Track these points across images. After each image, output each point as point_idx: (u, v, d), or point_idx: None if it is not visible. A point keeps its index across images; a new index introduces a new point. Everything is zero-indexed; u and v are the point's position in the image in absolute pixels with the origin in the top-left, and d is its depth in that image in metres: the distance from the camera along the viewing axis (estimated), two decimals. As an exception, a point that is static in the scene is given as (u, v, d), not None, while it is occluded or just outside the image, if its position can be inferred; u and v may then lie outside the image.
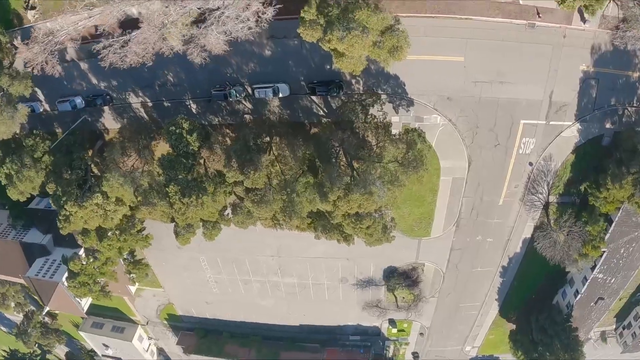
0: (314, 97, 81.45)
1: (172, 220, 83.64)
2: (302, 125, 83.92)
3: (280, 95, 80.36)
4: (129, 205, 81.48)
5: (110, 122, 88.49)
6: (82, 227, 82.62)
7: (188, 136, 73.40)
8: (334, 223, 76.95)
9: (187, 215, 77.23)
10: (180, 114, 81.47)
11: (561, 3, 68.98)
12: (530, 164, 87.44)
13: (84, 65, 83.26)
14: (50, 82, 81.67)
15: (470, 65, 78.27)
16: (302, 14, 64.59)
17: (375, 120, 71.90)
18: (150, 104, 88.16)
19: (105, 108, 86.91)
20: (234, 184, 74.78)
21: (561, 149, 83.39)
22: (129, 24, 71.72)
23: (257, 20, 65.21)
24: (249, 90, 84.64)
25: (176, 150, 74.49)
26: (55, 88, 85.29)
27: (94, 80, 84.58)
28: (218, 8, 64.05)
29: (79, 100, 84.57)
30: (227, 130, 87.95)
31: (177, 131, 73.54)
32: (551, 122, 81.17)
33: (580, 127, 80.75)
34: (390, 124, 74.40)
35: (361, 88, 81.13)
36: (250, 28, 65.81)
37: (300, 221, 79.93)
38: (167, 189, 74.11)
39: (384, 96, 77.84)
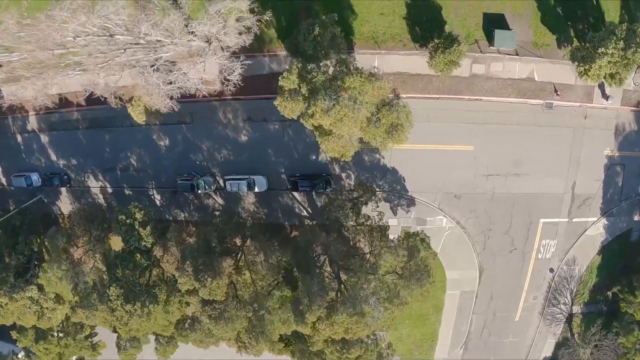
0: (296, 194, 68.39)
1: (115, 330, 65.05)
2: (281, 227, 69.28)
3: (257, 189, 66.85)
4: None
5: (66, 205, 76.30)
6: (14, 322, 69.06)
7: (141, 229, 60.75)
8: (314, 350, 57.91)
9: (131, 325, 58.71)
10: (142, 204, 68.55)
11: (584, 74, 55.78)
12: (551, 270, 72.63)
13: (44, 138, 73.87)
14: (8, 152, 73.82)
15: (481, 155, 66.19)
16: (280, 82, 49.83)
17: (369, 222, 58.70)
18: (110, 190, 75.01)
19: (63, 189, 75.59)
20: (188, 292, 56.49)
21: (586, 249, 70.49)
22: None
23: (222, 83, 51.57)
24: (221, 182, 69.32)
25: (127, 245, 61.95)
26: (13, 160, 75.66)
27: (53, 157, 74.45)
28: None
29: (35, 178, 73.66)
30: (193, 228, 70.55)
31: (128, 221, 60.71)
32: (574, 219, 68.55)
33: (606, 222, 68.70)
34: (388, 227, 62.19)
35: (352, 183, 67.32)
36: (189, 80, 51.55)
37: (269, 345, 60.81)
38: (108, 290, 59.72)
39: (379, 193, 65.04)
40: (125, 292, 60.34)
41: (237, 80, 54.62)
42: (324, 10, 59.53)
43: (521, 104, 64.78)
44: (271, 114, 64.44)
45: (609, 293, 74.98)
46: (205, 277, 53.92)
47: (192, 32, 52.69)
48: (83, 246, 66.27)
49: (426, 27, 63.44)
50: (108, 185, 75.57)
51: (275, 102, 51.12)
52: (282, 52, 64.61)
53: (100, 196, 76.21)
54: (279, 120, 65.86)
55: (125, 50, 49.17)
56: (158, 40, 49.05)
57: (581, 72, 56.78)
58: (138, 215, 62.05)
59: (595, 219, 69.41)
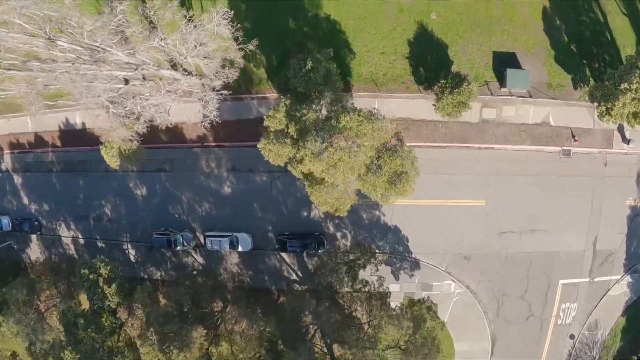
0: (284, 255, 59.54)
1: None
2: (267, 291, 60.11)
3: (240, 248, 58.43)
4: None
5: (36, 254, 69.13)
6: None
7: (105, 286, 53.71)
8: None
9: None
10: (116, 258, 62.44)
11: (605, 114, 48.70)
12: (572, 337, 63.36)
13: (17, 179, 68.28)
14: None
15: (494, 210, 57.95)
16: (265, 121, 41.84)
17: (368, 288, 50.80)
18: (82, 241, 67.33)
19: (33, 236, 68.70)
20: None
21: (609, 311, 61.48)
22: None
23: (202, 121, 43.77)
24: (201, 238, 60.50)
25: (91, 303, 55.18)
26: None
27: (25, 200, 68.36)
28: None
29: (5, 221, 67.48)
30: (169, 289, 61.33)
31: (92, 277, 53.74)
32: (596, 279, 60.14)
33: (630, 279, 60.29)
34: (389, 294, 53.98)
35: (348, 244, 58.67)
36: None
37: None
38: (62, 354, 53.30)
39: (379, 255, 56.98)
40: (85, 357, 52.05)
41: (214, 117, 46.44)
42: (319, 48, 52.37)
43: (537, 152, 57.18)
44: (258, 164, 56.87)
45: (635, 358, 65.07)
46: (172, 348, 44.13)
47: (173, 65, 45.35)
48: (46, 300, 60.99)
49: (431, 67, 56.21)
50: (80, 236, 67.56)
51: (259, 145, 42.99)
52: (272, 95, 57.25)
53: (72, 247, 68.09)
54: (266, 171, 58.09)
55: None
56: (128, 63, 41.18)
57: (602, 112, 49.47)
58: (103, 271, 54.26)
59: (618, 277, 60.88)
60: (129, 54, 39.65)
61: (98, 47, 38.34)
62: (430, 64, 56.40)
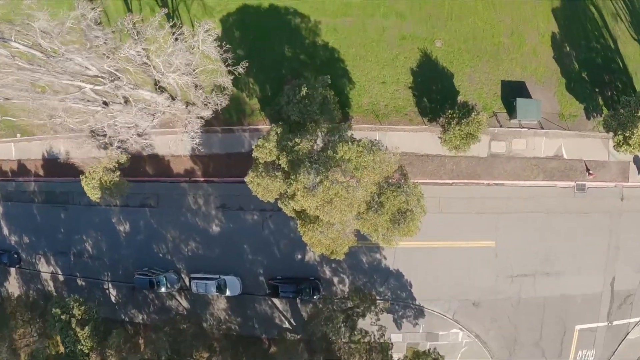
0: (276, 301, 53.83)
1: None
2: (257, 341, 53.97)
3: (228, 293, 52.71)
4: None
5: (15, 288, 63.48)
6: None
7: (78, 328, 48.52)
8: None
9: None
10: (96, 298, 57.71)
11: (623, 144, 44.59)
12: None
13: None
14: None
15: (504, 252, 52.60)
16: (254, 152, 36.74)
17: (367, 338, 45.36)
18: (61, 277, 61.40)
19: (12, 269, 62.96)
20: None
21: (628, 356, 56.36)
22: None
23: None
24: (186, 280, 54.61)
25: (64, 346, 50.00)
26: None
27: (6, 230, 63.03)
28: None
29: None
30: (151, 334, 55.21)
31: (64, 317, 48.84)
32: (614, 322, 54.63)
33: None
34: (391, 346, 49.40)
35: (346, 289, 52.88)
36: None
37: None
38: None
39: (380, 302, 50.87)
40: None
41: (196, 144, 41.36)
42: (316, 77, 47.77)
43: (549, 188, 52.30)
44: (249, 202, 51.49)
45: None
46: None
47: (159, 86, 40.40)
48: (20, 339, 56.64)
49: (436, 98, 51.55)
50: (59, 272, 61.85)
51: (246, 179, 37.78)
52: (265, 126, 52.31)
53: (51, 283, 62.30)
54: (258, 210, 52.96)
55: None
56: (95, 77, 36.13)
57: (619, 142, 45.46)
58: (77, 311, 49.30)
59: (638, 319, 55.41)
60: (92, 62, 34.32)
61: (56, 52, 32.80)
62: (435, 94, 51.78)
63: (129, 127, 39.61)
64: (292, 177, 34.85)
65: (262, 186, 37.13)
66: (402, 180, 38.36)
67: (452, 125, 45.06)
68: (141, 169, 54.70)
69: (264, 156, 37.17)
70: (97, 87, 35.26)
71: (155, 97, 38.98)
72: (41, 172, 60.37)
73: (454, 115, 45.40)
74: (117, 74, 35.79)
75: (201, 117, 42.82)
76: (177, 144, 45.44)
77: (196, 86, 40.99)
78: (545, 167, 52.19)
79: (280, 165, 36.80)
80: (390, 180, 38.38)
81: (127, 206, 56.90)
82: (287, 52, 52.35)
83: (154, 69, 36.24)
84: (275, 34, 52.48)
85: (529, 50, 52.10)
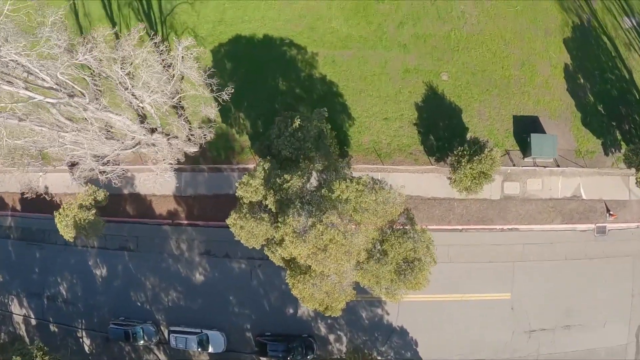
0: None
1: None
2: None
3: (211, 349, 46.14)
4: None
5: None
6: None
7: None
8: None
9: None
10: (69, 346, 51.26)
11: None
12: None
13: None
14: None
15: (521, 304, 46.03)
16: (238, 189, 30.90)
17: None
18: (33, 321, 54.52)
19: None
20: None
21: None
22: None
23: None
24: (165, 333, 47.99)
25: None
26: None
27: None
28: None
29: None
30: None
31: None
32: None
33: None
34: None
35: (344, 349, 46.07)
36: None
37: None
38: None
39: None
40: None
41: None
42: (312, 110, 42.11)
43: (568, 232, 46.30)
44: (236, 249, 45.45)
45: None
46: None
47: (143, 120, 34.90)
48: None
49: (443, 135, 46.14)
50: (32, 315, 55.14)
51: (228, 221, 31.85)
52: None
53: (22, 326, 55.35)
54: (245, 258, 46.91)
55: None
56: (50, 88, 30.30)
57: None
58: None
59: (665, 371, 48.37)
60: (47, 71, 28.49)
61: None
62: (442, 131, 46.36)
63: (95, 156, 33.67)
64: (280, 219, 28.75)
65: (246, 230, 31.07)
66: (408, 225, 32.10)
67: (463, 164, 39.33)
68: (121, 209, 48.87)
69: (249, 195, 31.27)
70: (50, 101, 29.39)
71: (129, 123, 33.23)
72: (18, 207, 54.47)
73: (465, 152, 39.74)
74: (82, 91, 30.04)
75: (185, 153, 36.81)
76: (157, 182, 39.40)
77: (179, 115, 35.40)
78: (563, 209, 46.22)
79: (267, 206, 30.75)
80: (394, 225, 32.14)
81: (105, 248, 50.84)
82: (282, 86, 47.25)
83: (121, 85, 30.53)
84: (269, 66, 47.57)
85: (541, 82, 47.08)
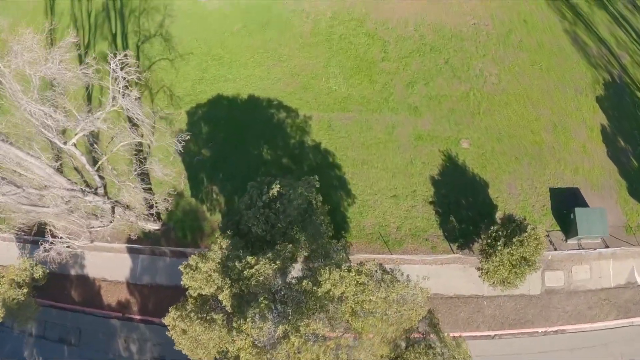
0: None
1: None
2: None
3: None
4: None
5: None
6: None
7: None
8: None
9: None
10: None
11: None
12: None
13: None
14: None
15: None
16: (183, 278, 19.52)
17: None
18: None
19: None
20: None
21: None
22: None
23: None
24: None
25: None
26: None
27: None
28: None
29: None
30: None
31: None
32: None
33: None
34: None
35: None
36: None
37: None
38: None
39: None
40: None
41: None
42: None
43: (625, 328, 34.64)
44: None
45: None
46: None
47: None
48: None
49: (467, 216, 35.61)
50: None
51: (166, 320, 20.54)
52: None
53: None
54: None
55: None
56: None
57: None
58: None
59: None
60: None
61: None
62: (465, 211, 35.77)
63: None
64: (235, 323, 17.33)
65: (189, 337, 19.46)
66: (432, 335, 20.40)
67: (499, 249, 28.19)
68: (65, 292, 37.52)
69: (198, 285, 20.13)
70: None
71: (49, 172, 22.76)
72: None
73: (500, 234, 28.67)
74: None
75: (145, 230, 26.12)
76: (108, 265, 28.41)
77: (140, 179, 25.19)
78: (618, 300, 34.82)
79: (222, 301, 19.42)
80: (412, 335, 20.45)
81: (44, 337, 38.57)
82: (266, 154, 37.40)
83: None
84: (253, 130, 38.10)
85: (577, 147, 37.32)
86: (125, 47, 42.00)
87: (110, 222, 27.55)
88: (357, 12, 42.53)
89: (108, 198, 27.85)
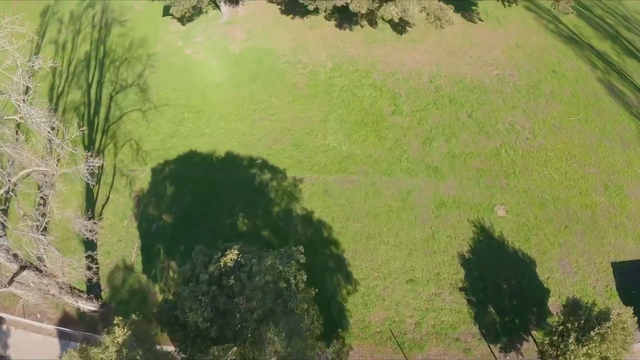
0: None
1: None
2: None
3: None
4: None
5: None
6: None
7: None
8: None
9: None
10: None
11: None
12: None
13: None
14: None
15: None
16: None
17: None
18: None
19: None
20: None
21: None
22: None
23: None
24: None
25: None
26: None
27: None
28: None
29: None
30: None
31: None
32: None
33: None
34: None
35: None
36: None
37: None
38: None
39: None
40: None
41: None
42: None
43: None
44: None
45: None
46: None
47: None
48: None
49: (510, 305, 25.31)
50: None
51: None
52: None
53: None
54: None
55: None
56: None
57: None
58: None
59: None
60: None
61: None
62: (507, 298, 25.63)
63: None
64: None
65: None
66: None
67: (570, 348, 17.85)
68: None
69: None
70: None
71: None
72: None
73: (568, 326, 18.42)
74: None
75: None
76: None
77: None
78: None
79: None
80: None
81: None
82: (242, 225, 28.24)
83: None
84: (228, 194, 29.17)
85: (636, 209, 28.38)
86: (99, 96, 35.29)
87: (5, 286, 18.23)
88: (361, 64, 35.29)
89: (15, 257, 18.62)
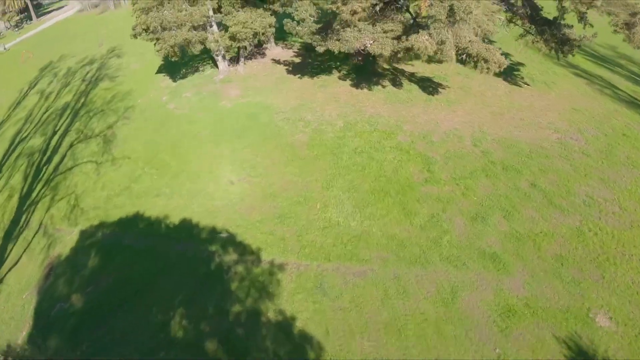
0: None
1: None
2: None
3: None
4: None
5: None
6: None
7: None
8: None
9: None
10: None
11: None
12: None
13: None
14: None
15: None
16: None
17: None
18: None
19: None
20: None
21: None
22: None
23: None
24: None
25: None
26: None
27: None
28: None
29: None
30: None
31: None
32: None
33: None
34: None
35: None
36: None
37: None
38: None
39: None
40: None
41: None
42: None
43: None
44: None
45: None
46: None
47: None
48: None
49: None
50: None
51: None
52: None
53: None
54: None
55: None
56: None
57: None
58: None
59: None
60: None
61: None
62: None
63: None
64: None
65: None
66: None
67: None
68: None
69: None
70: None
71: None
72: None
73: None
74: None
75: None
76: None
77: None
78: None
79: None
80: None
81: None
82: (178, 328, 16.51)
83: None
84: (168, 279, 17.72)
85: None
86: (59, 144, 26.72)
87: None
88: (382, 124, 25.32)
89: None
